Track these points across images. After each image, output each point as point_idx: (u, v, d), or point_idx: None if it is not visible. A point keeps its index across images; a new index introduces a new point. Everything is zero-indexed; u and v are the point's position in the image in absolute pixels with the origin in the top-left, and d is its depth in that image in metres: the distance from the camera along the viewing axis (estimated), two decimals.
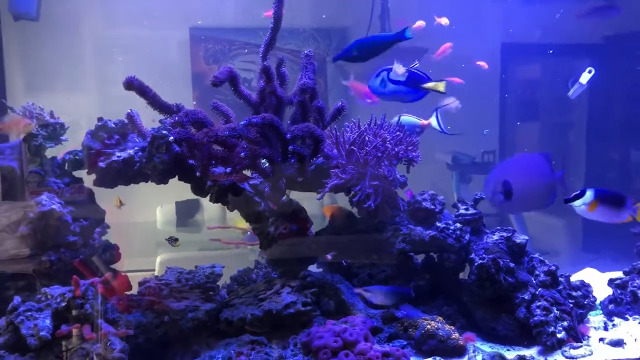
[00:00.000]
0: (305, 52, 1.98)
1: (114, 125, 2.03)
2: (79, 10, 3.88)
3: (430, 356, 1.88)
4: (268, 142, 1.92)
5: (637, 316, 2.11)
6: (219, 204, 3.41)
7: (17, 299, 1.78)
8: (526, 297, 1.96)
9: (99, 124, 2.03)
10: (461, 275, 2.16)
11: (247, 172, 2.08)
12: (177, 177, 2.02)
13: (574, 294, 2.05)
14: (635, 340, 1.96)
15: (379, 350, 1.80)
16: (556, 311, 1.92)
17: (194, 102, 3.85)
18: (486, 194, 2.24)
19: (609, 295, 2.20)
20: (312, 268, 2.22)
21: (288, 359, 1.84)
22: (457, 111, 2.40)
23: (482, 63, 3.30)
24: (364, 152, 1.99)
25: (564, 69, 4.18)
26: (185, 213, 3.37)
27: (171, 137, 1.85)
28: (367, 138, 2.01)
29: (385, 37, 2.07)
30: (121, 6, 3.94)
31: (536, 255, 2.08)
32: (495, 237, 2.06)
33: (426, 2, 3.68)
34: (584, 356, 1.86)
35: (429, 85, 2.20)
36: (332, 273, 2.08)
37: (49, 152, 2.00)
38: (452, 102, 2.24)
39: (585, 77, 2.52)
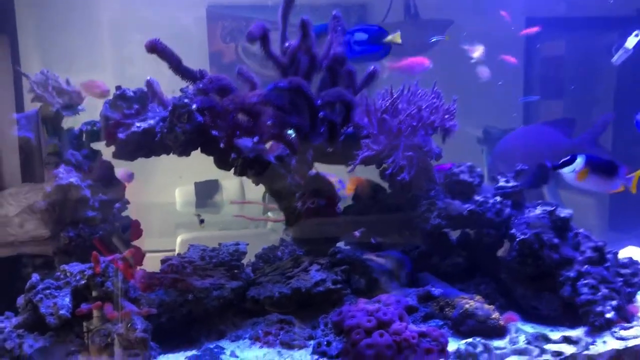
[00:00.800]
0: (334, 13, 1.85)
1: (133, 94, 1.92)
2: None
3: (469, 337, 1.76)
4: (295, 110, 1.80)
5: None
6: (239, 184, 3.42)
7: (35, 277, 1.69)
8: (571, 275, 1.83)
9: (118, 92, 1.93)
10: (499, 253, 2.04)
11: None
12: (199, 148, 1.92)
13: (622, 271, 1.92)
14: None
15: (415, 331, 1.69)
16: (604, 289, 1.79)
17: None
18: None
19: None
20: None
21: (319, 339, 1.73)
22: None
23: (509, 58, 3.17)
24: (397, 120, 1.87)
25: (592, 44, 4.00)
26: (205, 194, 3.32)
27: (194, 106, 1.74)
28: (400, 106, 1.88)
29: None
30: None
31: (581, 231, 1.95)
32: (538, 211, 1.93)
33: None
34: (636, 337, 1.73)
35: (389, 38, 2.16)
36: (362, 250, 1.97)
37: (65, 124, 1.91)
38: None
39: (631, 42, 2.35)
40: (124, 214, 2.06)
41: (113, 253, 1.79)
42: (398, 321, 1.71)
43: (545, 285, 1.87)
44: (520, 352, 1.67)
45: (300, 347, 1.72)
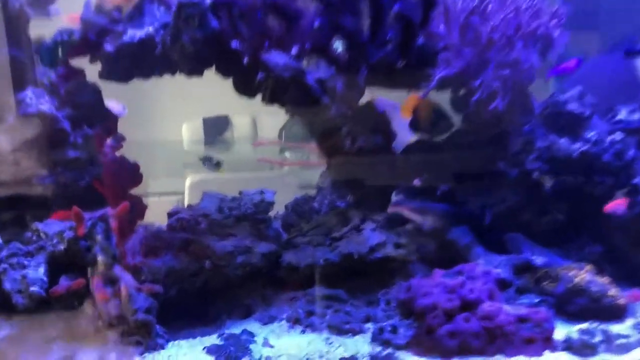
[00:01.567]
0: None
1: None
2: None
3: (577, 319, 1.32)
4: (350, 8, 1.28)
5: None
6: (251, 121, 2.93)
7: None
8: None
9: None
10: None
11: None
12: (214, 66, 1.42)
13: None
14: None
15: (512, 314, 1.25)
16: None
17: None
18: None
19: None
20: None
21: (380, 322, 1.30)
22: None
23: None
24: (488, 27, 1.34)
25: None
26: (214, 130, 3.00)
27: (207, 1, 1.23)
28: (491, 6, 1.36)
29: None
30: None
31: None
32: None
33: None
34: None
35: None
36: (435, 203, 1.50)
37: (33, 31, 1.40)
38: None
39: None
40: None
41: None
42: (488, 300, 1.28)
43: None
44: None
45: (355, 333, 1.29)
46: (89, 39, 1.39)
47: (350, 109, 1.55)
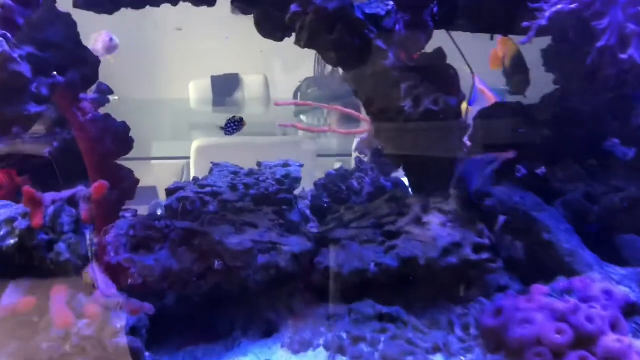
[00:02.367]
0: None
1: None
2: None
3: None
4: None
5: None
6: (263, 80, 2.63)
7: None
8: None
9: None
10: None
11: None
12: None
13: None
14: None
15: None
16: None
17: None
18: None
19: None
20: None
21: (454, 356, 0.93)
22: None
23: None
24: None
25: None
26: (224, 90, 2.75)
27: None
28: None
29: None
30: None
31: None
32: None
33: None
34: None
35: None
36: (521, 191, 1.11)
37: None
38: None
39: None
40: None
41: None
42: (610, 332, 0.90)
43: None
44: None
45: None
46: None
47: (412, 60, 1.16)
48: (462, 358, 0.93)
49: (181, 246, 1.04)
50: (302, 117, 2.41)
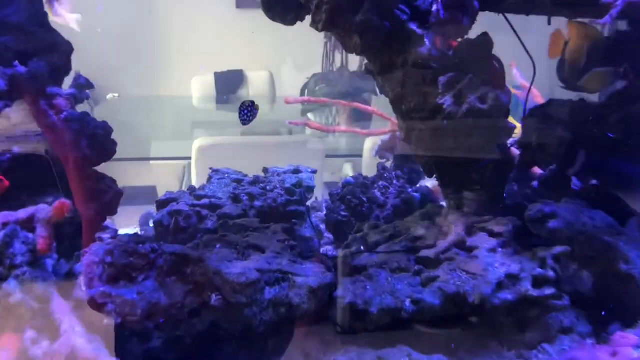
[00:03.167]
0: None
1: None
2: None
3: None
4: None
5: None
6: (268, 77, 2.59)
7: None
8: None
9: None
10: None
11: None
12: None
13: None
14: None
15: None
16: None
17: None
18: None
19: None
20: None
21: None
22: None
23: None
24: None
25: None
26: (227, 86, 2.73)
27: None
28: None
29: None
30: None
31: None
32: None
33: None
34: None
35: None
36: (589, 209, 0.90)
37: None
38: None
39: None
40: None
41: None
42: None
43: None
44: None
45: None
46: None
47: (451, 49, 0.96)
48: None
49: (170, 276, 0.84)
50: (310, 115, 2.28)
